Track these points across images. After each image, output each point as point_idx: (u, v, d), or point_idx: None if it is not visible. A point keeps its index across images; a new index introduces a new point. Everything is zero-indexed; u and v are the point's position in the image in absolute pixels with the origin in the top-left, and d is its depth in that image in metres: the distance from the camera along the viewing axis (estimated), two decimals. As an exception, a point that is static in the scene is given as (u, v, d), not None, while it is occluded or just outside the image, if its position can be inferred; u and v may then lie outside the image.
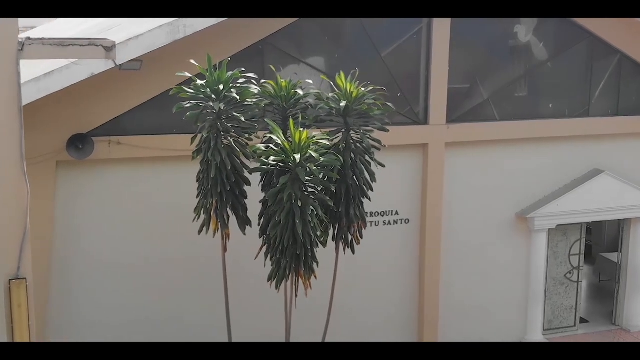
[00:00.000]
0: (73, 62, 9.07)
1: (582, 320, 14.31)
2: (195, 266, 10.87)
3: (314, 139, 7.59)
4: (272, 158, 7.44)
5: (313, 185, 7.59)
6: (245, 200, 8.33)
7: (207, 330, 10.54)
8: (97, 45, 5.98)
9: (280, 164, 7.50)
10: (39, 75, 8.98)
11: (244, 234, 8.38)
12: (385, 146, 8.90)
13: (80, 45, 5.93)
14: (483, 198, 12.68)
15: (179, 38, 9.44)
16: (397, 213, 12.22)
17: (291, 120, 7.70)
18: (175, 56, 9.99)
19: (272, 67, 9.00)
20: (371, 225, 12.04)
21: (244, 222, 8.27)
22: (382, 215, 12.15)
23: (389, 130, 8.89)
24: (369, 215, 11.85)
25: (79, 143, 10.05)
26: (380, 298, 12.39)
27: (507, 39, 12.44)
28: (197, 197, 8.31)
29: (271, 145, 7.61)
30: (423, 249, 12.34)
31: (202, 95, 7.94)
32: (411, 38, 11.82)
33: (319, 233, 7.60)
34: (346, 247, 8.83)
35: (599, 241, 17.46)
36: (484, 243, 12.84)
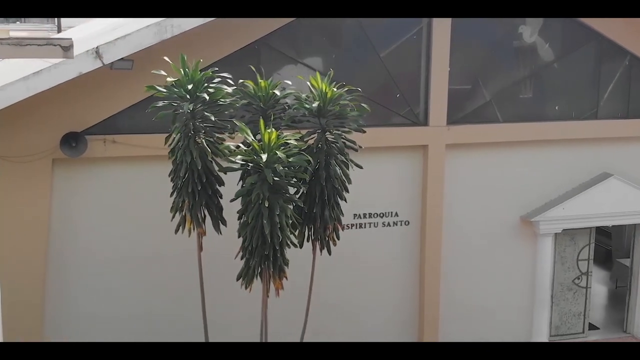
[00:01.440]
0: (61, 61, 9.23)
1: (592, 327, 14.02)
2: (189, 263, 10.94)
3: (283, 139, 7.59)
4: (239, 157, 7.45)
5: (282, 185, 7.57)
6: (221, 200, 8.35)
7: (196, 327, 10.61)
8: (54, 45, 6.05)
9: (250, 164, 7.52)
10: (28, 74, 9.16)
11: (219, 234, 8.42)
12: (361, 147, 8.84)
13: (38, 45, 6.01)
14: (486, 201, 12.51)
15: (166, 38, 9.52)
16: (396, 214, 12.13)
17: (261, 121, 7.71)
18: (169, 56, 10.08)
19: (252, 67, 9.00)
20: (370, 227, 12.03)
21: (218, 221, 8.30)
22: (382, 217, 12.08)
23: (365, 132, 8.82)
24: (367, 216, 11.98)
25: (73, 141, 10.22)
26: (380, 300, 12.31)
27: (511, 39, 12.25)
28: (170, 196, 8.38)
29: (241, 145, 7.62)
30: (423, 252, 12.23)
31: (175, 95, 7.98)
32: (411, 38, 11.73)
33: (288, 233, 7.57)
34: (322, 249, 8.77)
35: (619, 246, 17.06)
36: (487, 246, 12.67)
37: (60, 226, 10.71)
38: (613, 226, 15.83)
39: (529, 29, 12.21)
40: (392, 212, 12.10)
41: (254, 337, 9.32)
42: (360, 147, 8.84)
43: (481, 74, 12.20)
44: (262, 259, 7.61)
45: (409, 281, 12.35)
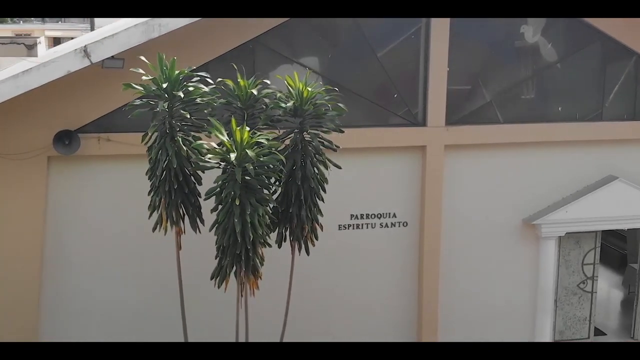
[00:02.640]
0: (51, 59, 9.36)
1: (599, 332, 13.78)
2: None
3: (256, 138, 7.58)
4: (209, 156, 7.46)
5: (253, 184, 7.55)
6: (201, 199, 8.36)
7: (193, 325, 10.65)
8: (18, 44, 6.14)
9: (221, 163, 7.52)
10: (17, 72, 9.29)
11: (197, 233, 8.44)
12: (339, 147, 8.78)
13: (2, 44, 6.09)
14: (487, 203, 12.35)
15: (154, 37, 9.56)
16: (394, 215, 12.04)
17: (232, 120, 7.71)
18: (165, 55, 10.18)
19: (234, 65, 8.99)
20: (367, 227, 11.96)
21: (195, 220, 8.32)
22: (379, 217, 12.00)
23: (343, 132, 8.76)
24: (365, 217, 11.90)
25: (66, 139, 10.33)
26: (378, 301, 12.23)
27: (513, 39, 12.06)
28: (148, 194, 8.42)
29: (213, 144, 7.64)
30: (422, 254, 12.12)
31: (153, 94, 8.03)
32: (409, 38, 11.61)
33: (261, 233, 7.54)
34: (300, 249, 8.73)
35: (634, 250, 16.71)
36: (488, 249, 12.51)
37: (56, 223, 10.84)
38: (628, 230, 15.52)
39: (531, 29, 12.02)
40: (390, 213, 12.01)
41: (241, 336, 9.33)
42: (338, 147, 8.77)
43: (482, 74, 12.05)
44: (235, 259, 7.60)
45: (408, 283, 12.24)
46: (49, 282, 10.88)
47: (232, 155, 7.29)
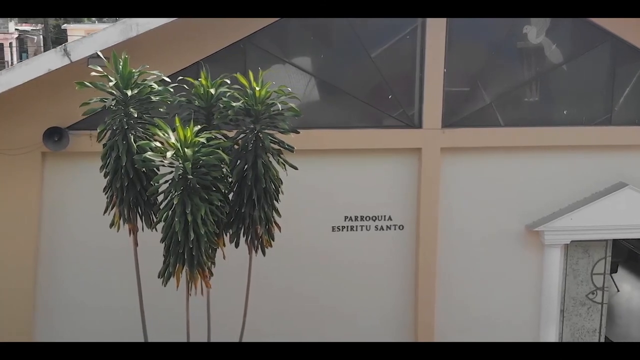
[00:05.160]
0: (33, 58, 9.62)
1: (611, 346, 13.22)
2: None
3: (202, 137, 7.59)
4: (149, 154, 7.51)
5: (193, 183, 7.55)
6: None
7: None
8: None
9: (163, 161, 7.56)
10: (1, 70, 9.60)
11: (152, 230, 8.50)
12: (294, 147, 8.70)
13: None
14: (488, 207, 12.02)
15: (132, 36, 9.69)
16: (390, 218, 11.86)
17: (177, 118, 7.74)
18: (154, 53, 10.33)
19: (203, 63, 9.03)
20: (362, 230, 11.83)
21: (149, 217, 8.39)
22: (374, 220, 11.85)
23: (299, 132, 8.67)
24: (359, 219, 11.78)
25: (56, 135, 10.60)
26: (372, 304, 12.08)
27: (515, 40, 11.71)
28: (103, 191, 8.54)
29: (156, 143, 7.68)
30: (418, 258, 11.90)
31: (109, 91, 8.14)
32: (404, 38, 11.42)
33: (202, 232, 7.54)
34: (257, 250, 8.70)
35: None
36: (488, 255, 12.18)
37: (51, 218, 11.11)
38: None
39: (535, 29, 11.64)
40: (385, 216, 11.84)
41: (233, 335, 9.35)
42: (293, 147, 8.69)
43: (481, 75, 11.73)
44: (178, 257, 7.64)
45: (404, 287, 12.04)
46: (44, 275, 11.16)
47: (169, 154, 7.33)
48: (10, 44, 46.76)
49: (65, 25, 49.13)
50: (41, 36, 50.20)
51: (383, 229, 11.88)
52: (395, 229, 11.90)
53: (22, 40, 50.62)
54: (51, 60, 9.61)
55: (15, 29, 48.04)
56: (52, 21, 49.60)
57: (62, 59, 9.60)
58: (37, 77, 9.88)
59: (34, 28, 50.68)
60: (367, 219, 11.83)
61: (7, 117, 10.57)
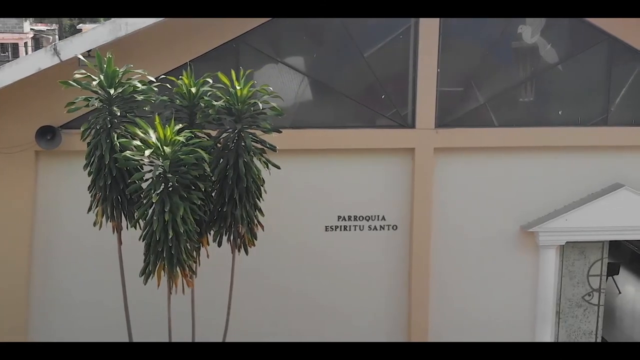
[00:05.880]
0: (23, 57, 9.70)
1: (608, 348, 13.10)
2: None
3: (182, 136, 7.62)
4: (128, 152, 7.55)
5: (173, 182, 7.58)
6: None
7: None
8: None
9: (143, 160, 7.60)
10: (-8, 69, 9.69)
11: (135, 228, 8.52)
12: (276, 147, 8.70)
13: None
14: (481, 208, 11.96)
15: (121, 35, 9.73)
16: (383, 218, 11.84)
17: (156, 117, 7.77)
18: (146, 53, 10.39)
19: (189, 63, 9.05)
20: (355, 229, 11.82)
21: (132, 215, 8.43)
22: (367, 220, 11.83)
23: (281, 132, 8.68)
24: (352, 219, 11.77)
25: (48, 134, 10.68)
26: (366, 304, 12.07)
27: (510, 39, 11.65)
28: (88, 189, 8.59)
29: (136, 141, 7.72)
30: (411, 259, 11.86)
31: (94, 90, 8.20)
32: (397, 38, 11.40)
33: (182, 230, 7.57)
34: (240, 249, 8.71)
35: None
36: (482, 256, 12.11)
37: (45, 216, 11.19)
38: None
39: (530, 29, 11.57)
40: (378, 216, 11.82)
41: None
42: (275, 146, 8.70)
43: (475, 75, 11.67)
44: (158, 256, 7.67)
45: (397, 288, 12.01)
46: (38, 276, 11.22)
47: (147, 152, 7.37)
48: (26, 43, 47.14)
49: (80, 25, 49.46)
50: (56, 36, 50.62)
51: (376, 229, 11.87)
52: (388, 229, 11.87)
53: (37, 40, 51.11)
54: (41, 60, 9.68)
55: (31, 29, 48.44)
56: (66, 21, 49.99)
57: (52, 58, 9.66)
58: (30, 76, 9.98)
59: (49, 28, 51.13)
60: (361, 218, 11.82)
61: (0, 115, 10.66)
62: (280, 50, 11.29)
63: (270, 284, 11.69)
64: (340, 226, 11.80)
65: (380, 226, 11.86)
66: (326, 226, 11.76)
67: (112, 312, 11.33)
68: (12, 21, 44.23)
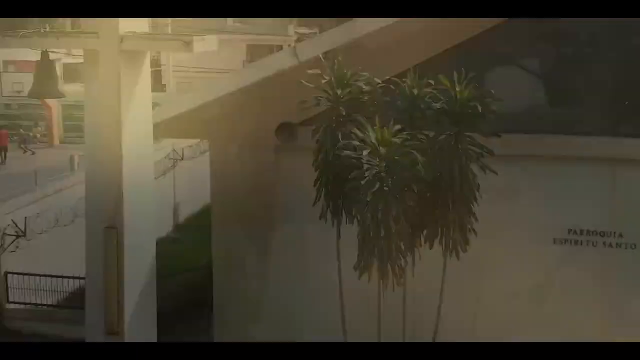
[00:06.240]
0: (266, 57, 10.44)
1: None
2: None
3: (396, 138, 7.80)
4: (347, 152, 7.79)
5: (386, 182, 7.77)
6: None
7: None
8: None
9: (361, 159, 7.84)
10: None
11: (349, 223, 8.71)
12: (493, 152, 8.47)
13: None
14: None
15: (355, 37, 10.07)
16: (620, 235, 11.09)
17: (377, 119, 7.97)
18: (377, 56, 10.64)
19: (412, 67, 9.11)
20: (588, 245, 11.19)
21: (348, 212, 8.75)
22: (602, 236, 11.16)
23: (500, 136, 8.43)
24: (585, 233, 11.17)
25: (287, 130, 11.35)
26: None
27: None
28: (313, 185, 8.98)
29: (355, 141, 7.97)
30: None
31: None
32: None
33: (393, 230, 7.71)
34: (451, 252, 8.65)
35: None
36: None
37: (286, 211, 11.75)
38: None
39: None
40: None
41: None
42: (492, 150, 8.48)
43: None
44: (370, 252, 7.90)
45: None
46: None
47: (365, 152, 7.62)
48: (289, 45, 50.04)
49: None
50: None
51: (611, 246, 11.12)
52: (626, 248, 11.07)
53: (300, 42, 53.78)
54: (281, 60, 10.33)
55: (295, 32, 51.33)
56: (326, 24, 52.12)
57: (292, 59, 10.25)
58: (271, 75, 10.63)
59: (312, 31, 53.75)
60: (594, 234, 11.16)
61: (243, 112, 11.44)
62: (514, 51, 10.99)
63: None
64: (571, 240, 11.22)
65: (617, 244, 11.10)
66: (554, 239, 11.25)
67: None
68: (276, 24, 47.05)
